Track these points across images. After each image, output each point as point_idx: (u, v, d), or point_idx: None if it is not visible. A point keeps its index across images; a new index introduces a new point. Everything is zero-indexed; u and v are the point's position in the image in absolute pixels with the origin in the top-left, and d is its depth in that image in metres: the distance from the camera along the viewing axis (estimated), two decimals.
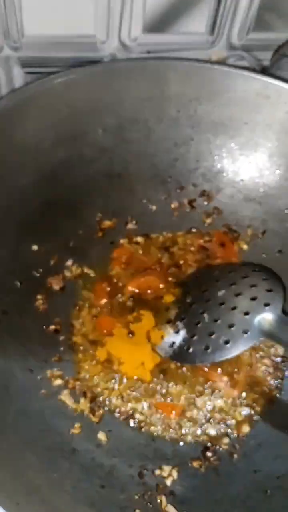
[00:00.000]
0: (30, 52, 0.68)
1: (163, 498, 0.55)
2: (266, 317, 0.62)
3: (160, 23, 0.68)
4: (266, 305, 0.63)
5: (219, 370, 0.66)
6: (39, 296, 0.67)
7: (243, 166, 0.77)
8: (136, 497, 0.55)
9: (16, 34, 0.65)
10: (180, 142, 0.76)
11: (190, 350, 0.64)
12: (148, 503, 0.55)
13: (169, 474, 0.58)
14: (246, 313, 0.63)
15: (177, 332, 0.66)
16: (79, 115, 0.70)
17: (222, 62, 0.75)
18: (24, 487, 0.48)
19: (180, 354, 0.64)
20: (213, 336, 0.63)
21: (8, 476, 0.48)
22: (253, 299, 0.64)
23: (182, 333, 0.66)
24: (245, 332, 0.62)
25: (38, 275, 0.68)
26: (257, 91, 0.72)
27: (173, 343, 0.65)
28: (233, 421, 0.64)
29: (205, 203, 0.79)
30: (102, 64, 0.70)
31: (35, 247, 0.68)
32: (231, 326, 0.63)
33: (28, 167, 0.68)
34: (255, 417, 0.64)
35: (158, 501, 0.55)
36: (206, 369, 0.66)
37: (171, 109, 0.74)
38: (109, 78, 0.70)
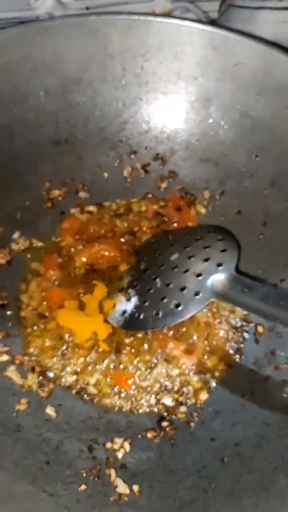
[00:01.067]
0: None
1: (112, 472, 0.52)
2: (219, 277, 0.59)
3: None
4: (219, 265, 0.60)
5: (176, 336, 0.63)
6: None
7: (197, 125, 0.73)
8: (83, 471, 0.52)
9: None
10: (128, 103, 0.72)
11: (141, 316, 0.61)
12: (96, 478, 0.52)
13: (120, 447, 0.55)
14: (199, 275, 0.60)
15: (128, 300, 0.63)
16: (18, 77, 0.67)
17: (166, 15, 0.71)
18: None
19: (131, 322, 0.61)
20: (164, 301, 0.60)
21: None
22: (206, 260, 0.61)
23: (134, 300, 0.62)
24: (197, 294, 0.59)
25: None
26: (205, 43, 0.68)
27: (125, 311, 0.62)
28: (191, 389, 0.61)
29: (160, 167, 0.75)
30: (37, 23, 0.66)
31: None
32: (182, 289, 0.60)
33: None
34: (213, 384, 0.61)
35: (108, 474, 0.52)
36: (161, 337, 0.62)
37: (115, 67, 0.70)
38: (46, 37, 0.66)
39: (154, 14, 0.70)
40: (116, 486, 0.51)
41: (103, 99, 0.72)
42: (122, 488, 0.50)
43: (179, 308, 0.59)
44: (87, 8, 0.67)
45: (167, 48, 0.69)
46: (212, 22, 0.73)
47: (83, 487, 0.50)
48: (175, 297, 0.60)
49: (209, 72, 0.70)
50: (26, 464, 0.51)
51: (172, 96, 0.72)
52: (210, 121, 0.72)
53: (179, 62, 0.70)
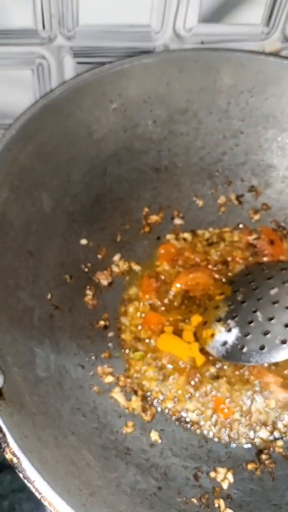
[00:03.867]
0: (83, 41, 0.66)
1: (221, 502, 0.54)
2: None
3: (216, 13, 0.66)
4: None
5: (272, 371, 0.64)
6: (88, 291, 0.66)
7: None
8: (194, 500, 0.53)
9: (71, 22, 0.63)
10: (229, 135, 0.74)
11: (244, 349, 0.62)
12: (206, 507, 0.53)
13: (224, 477, 0.57)
14: None
15: (229, 330, 0.64)
16: (131, 106, 0.69)
17: (276, 54, 0.73)
18: (85, 488, 0.46)
19: (233, 354, 0.63)
20: (268, 336, 0.61)
21: (70, 476, 0.46)
22: None
23: (235, 331, 0.64)
24: None
25: (86, 270, 0.67)
26: None
27: (225, 342, 0.64)
28: (286, 423, 0.62)
29: (253, 198, 0.77)
30: (156, 54, 0.68)
31: (83, 242, 0.67)
32: (287, 325, 0.61)
33: (79, 159, 0.66)
34: None
35: (216, 505, 0.54)
36: (258, 369, 0.64)
37: (222, 100, 0.72)
38: (162, 68, 0.68)
39: (264, 53, 0.71)
40: None
41: (205, 130, 0.73)
42: None
43: (285, 345, 0.60)
44: (202, 42, 0.69)
45: (274, 85, 0.71)
46: None
47: None
48: (279, 333, 0.61)
49: None
50: (141, 488, 0.52)
51: (272, 132, 0.74)
52: None
53: (284, 100, 0.72)
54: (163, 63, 0.68)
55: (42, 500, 0.39)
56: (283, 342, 0.60)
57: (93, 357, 0.62)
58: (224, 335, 0.64)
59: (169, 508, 0.51)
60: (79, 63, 0.69)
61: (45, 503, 0.39)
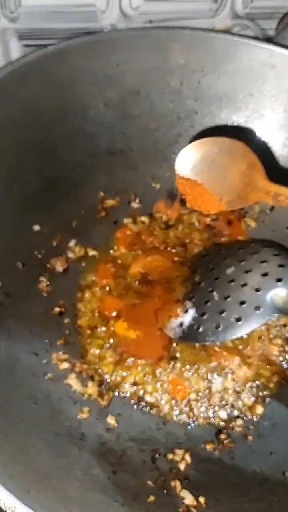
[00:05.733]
0: (27, 23, 0.65)
1: (178, 483, 0.53)
2: (279, 293, 0.60)
3: None
4: (278, 280, 0.60)
5: (231, 350, 0.64)
6: (42, 278, 0.65)
7: (249, 140, 0.74)
8: (150, 482, 0.53)
9: (13, 4, 0.61)
10: (183, 116, 0.73)
11: (200, 329, 0.61)
12: (162, 489, 0.52)
13: (182, 458, 0.56)
14: (258, 290, 0.61)
15: (186, 311, 0.63)
16: (80, 88, 0.67)
17: (226, 31, 0.72)
18: (33, 474, 0.45)
19: (190, 334, 0.62)
20: (223, 314, 0.61)
21: (17, 463, 0.45)
22: (264, 275, 0.62)
23: (191, 312, 0.63)
24: (257, 308, 0.59)
25: (40, 256, 0.65)
26: (263, 60, 0.69)
27: (182, 323, 0.63)
28: (246, 402, 0.62)
29: None
30: (102, 34, 0.67)
31: (36, 228, 0.66)
32: (242, 303, 0.60)
33: (28, 143, 0.65)
34: (268, 398, 0.62)
35: (172, 486, 0.53)
36: (217, 350, 0.63)
37: (174, 81, 0.71)
38: (110, 48, 0.67)
39: (215, 30, 0.70)
40: (183, 498, 0.52)
41: (159, 111, 0.72)
42: (189, 500, 0.51)
43: (240, 322, 0.59)
44: (150, 21, 0.68)
45: (225, 63, 0.70)
46: (268, 40, 0.74)
47: (151, 498, 0.51)
48: (235, 310, 0.60)
49: (265, 89, 0.71)
50: (94, 473, 0.51)
51: (226, 111, 0.73)
52: (264, 136, 0.73)
53: (236, 79, 0.71)
54: (110, 42, 0.66)
55: None
56: (238, 319, 0.59)
57: (47, 344, 0.61)
58: (181, 316, 0.63)
59: (124, 491, 0.50)
60: (26, 45, 0.67)
61: None
